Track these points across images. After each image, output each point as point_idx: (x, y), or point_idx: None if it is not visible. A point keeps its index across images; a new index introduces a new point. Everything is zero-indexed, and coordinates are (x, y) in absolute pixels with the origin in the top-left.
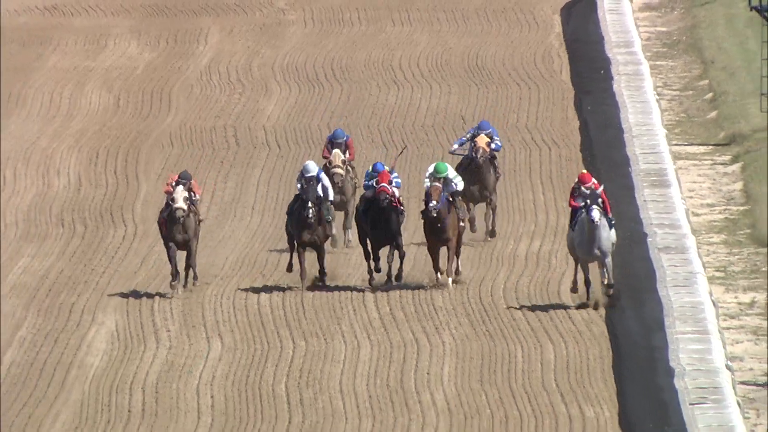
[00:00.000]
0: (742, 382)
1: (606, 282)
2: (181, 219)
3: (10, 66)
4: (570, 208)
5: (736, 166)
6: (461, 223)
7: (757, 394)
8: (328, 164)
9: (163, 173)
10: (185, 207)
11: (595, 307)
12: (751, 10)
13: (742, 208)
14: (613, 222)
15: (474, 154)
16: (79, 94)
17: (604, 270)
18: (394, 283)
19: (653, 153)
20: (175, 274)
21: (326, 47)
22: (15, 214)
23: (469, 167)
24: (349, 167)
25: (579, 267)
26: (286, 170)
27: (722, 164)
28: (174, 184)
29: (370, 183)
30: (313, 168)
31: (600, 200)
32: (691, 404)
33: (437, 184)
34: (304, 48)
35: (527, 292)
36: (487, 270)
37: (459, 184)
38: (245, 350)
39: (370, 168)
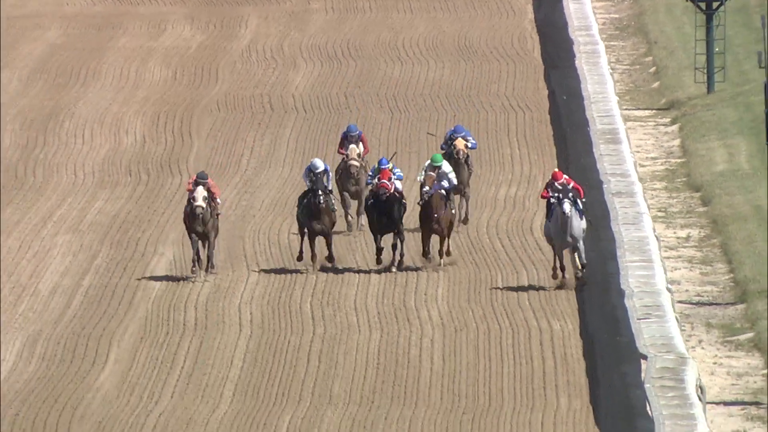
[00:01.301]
0: (680, 302)
1: (579, 264)
2: (200, 215)
3: (88, 46)
4: (545, 201)
5: (674, 127)
6: (453, 211)
7: (692, 311)
8: (345, 158)
9: (211, 132)
10: (204, 205)
11: (572, 289)
12: (686, 0)
13: (679, 160)
14: (584, 211)
15: (456, 156)
16: (144, 69)
17: (576, 254)
18: (398, 261)
19: (607, 116)
20: (195, 260)
21: (343, 30)
22: (92, 166)
23: (449, 163)
24: (363, 161)
25: (556, 254)
26: (311, 130)
27: (663, 125)
28: (194, 184)
29: (372, 180)
30: (320, 164)
31: (571, 195)
32: (638, 319)
33: (431, 173)
34: (325, 31)
35: (505, 229)
36: (473, 211)
37: (453, 179)
38: (277, 276)
39: (377, 163)
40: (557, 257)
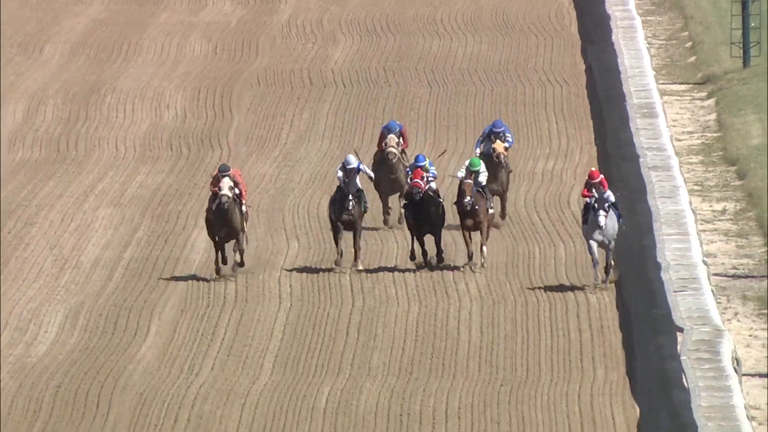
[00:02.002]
0: (715, 274)
1: (605, 266)
2: (226, 204)
3: (130, 21)
4: (583, 199)
5: (710, 101)
6: (490, 211)
7: (728, 283)
8: (383, 146)
9: (251, 107)
10: (230, 194)
11: (602, 281)
12: None
13: (715, 134)
14: (621, 215)
15: (496, 159)
16: (185, 44)
17: (608, 254)
18: (436, 263)
19: (644, 90)
20: (220, 263)
21: (382, 5)
22: (133, 140)
23: (486, 165)
24: (403, 153)
25: (591, 252)
26: (350, 104)
27: (699, 99)
28: (219, 176)
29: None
30: (354, 161)
31: (606, 205)
32: (674, 292)
33: (469, 181)
34: (364, 6)
35: (543, 202)
36: (510, 184)
37: (483, 178)
38: (317, 248)
39: (414, 160)
40: (591, 255)
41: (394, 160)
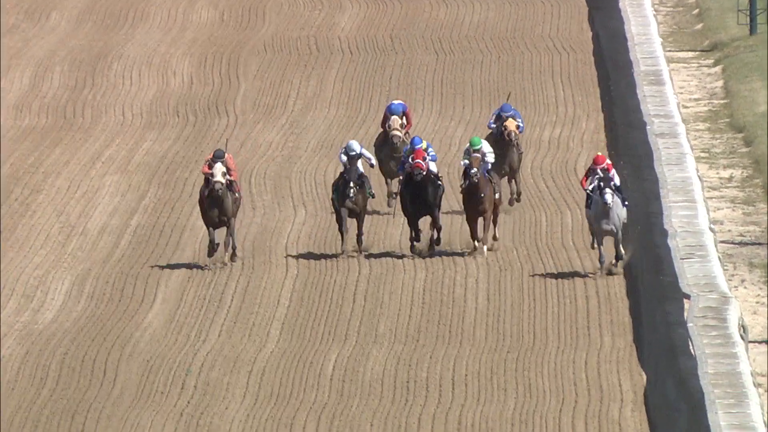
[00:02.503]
0: (722, 241)
1: (615, 255)
2: (220, 191)
3: None
4: (583, 186)
5: (717, 68)
6: (496, 195)
7: (734, 250)
8: (387, 128)
9: (258, 74)
10: (223, 181)
11: (609, 273)
12: None
13: (722, 101)
14: (626, 199)
15: (507, 137)
16: (191, 11)
17: (617, 244)
18: (433, 242)
19: (651, 57)
20: (211, 251)
21: None
22: (140, 107)
23: (497, 145)
24: (406, 134)
25: (597, 242)
26: (357, 71)
27: (706, 66)
28: (211, 161)
29: (407, 159)
30: (356, 147)
31: (612, 183)
32: (681, 259)
33: (477, 154)
34: None
35: (549, 170)
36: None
37: (490, 158)
38: (324, 216)
39: (409, 143)
40: (596, 242)
41: (398, 143)
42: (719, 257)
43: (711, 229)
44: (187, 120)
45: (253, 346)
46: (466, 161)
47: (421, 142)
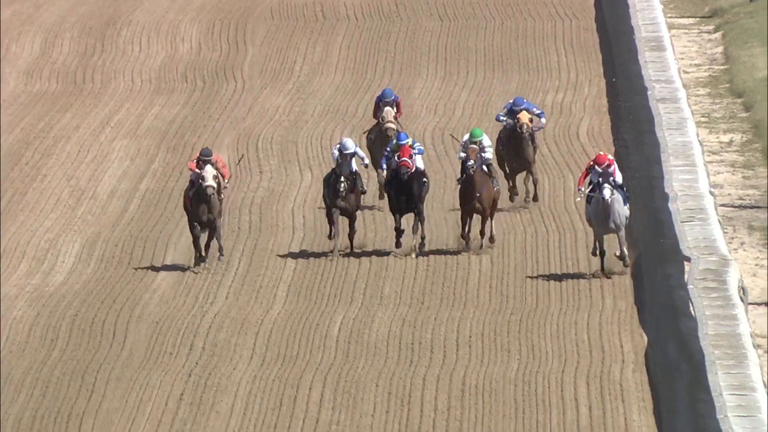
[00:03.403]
0: (722, 205)
1: (618, 254)
2: (211, 196)
3: None
4: (579, 185)
5: (717, 35)
6: (496, 188)
7: (734, 213)
8: (381, 120)
9: (265, 40)
10: (215, 185)
11: (608, 276)
12: None
13: (722, 67)
14: (628, 195)
15: (520, 130)
16: None
17: (620, 242)
18: (419, 245)
19: (652, 24)
20: (198, 258)
21: None
22: (149, 73)
23: (511, 139)
24: (399, 124)
25: (596, 239)
26: (362, 38)
27: (707, 33)
28: (199, 162)
29: (391, 156)
30: (351, 146)
31: (612, 178)
32: (682, 222)
33: (474, 146)
34: None
35: (552, 134)
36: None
37: (489, 152)
38: None
39: (394, 140)
40: (597, 241)
41: (393, 136)
42: (719, 220)
43: (711, 193)
44: (195, 85)
45: (260, 308)
46: (464, 154)
47: (407, 138)
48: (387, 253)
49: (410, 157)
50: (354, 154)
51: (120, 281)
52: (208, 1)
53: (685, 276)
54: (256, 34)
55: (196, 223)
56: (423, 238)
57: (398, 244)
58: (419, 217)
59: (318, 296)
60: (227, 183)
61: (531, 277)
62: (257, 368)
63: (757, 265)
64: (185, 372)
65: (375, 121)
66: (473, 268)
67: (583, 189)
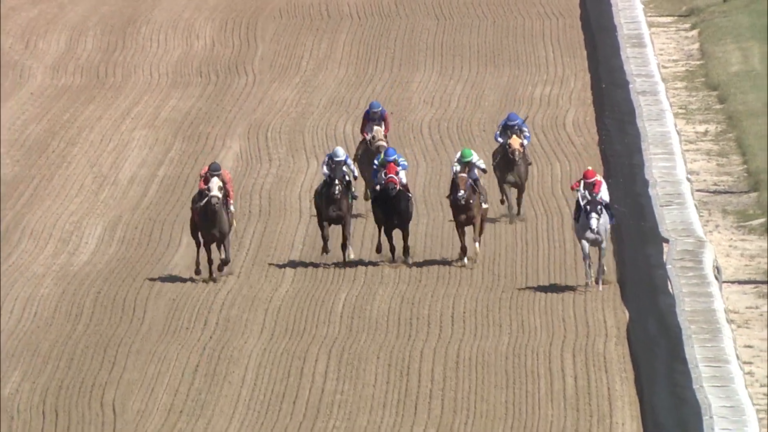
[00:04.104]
0: (698, 190)
1: (598, 268)
2: (216, 205)
3: None
4: (573, 192)
5: (694, 32)
6: (484, 205)
7: (709, 198)
8: (371, 139)
9: (274, 37)
10: (219, 195)
11: (596, 281)
12: None
13: (698, 62)
14: (613, 213)
15: (511, 156)
16: None
17: (600, 254)
18: (406, 259)
19: (633, 22)
20: (209, 263)
21: None
22: (166, 68)
23: (504, 158)
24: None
25: (583, 250)
26: (364, 35)
27: (684, 30)
28: (209, 176)
29: (378, 172)
30: (341, 153)
31: (599, 207)
32: (661, 206)
33: (463, 174)
34: None
35: (541, 124)
36: (511, 108)
37: (482, 164)
38: None
39: (382, 155)
40: (584, 257)
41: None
42: (695, 204)
43: (688, 179)
44: (209, 79)
45: (270, 286)
46: (458, 167)
47: (395, 153)
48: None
49: (397, 174)
50: (345, 162)
51: (139, 261)
52: (221, 0)
53: (664, 256)
54: (266, 32)
55: (204, 236)
56: (407, 247)
57: (379, 249)
58: (405, 240)
59: (323, 275)
60: (232, 203)
61: (521, 258)
62: (267, 342)
63: (730, 246)
64: (200, 345)
65: (362, 137)
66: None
67: (578, 195)
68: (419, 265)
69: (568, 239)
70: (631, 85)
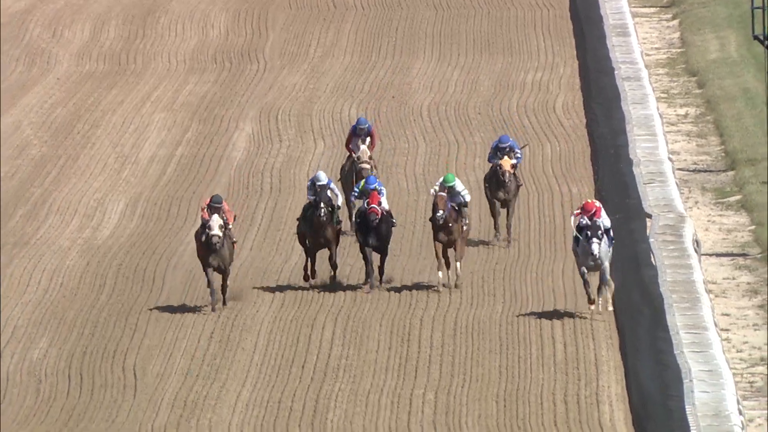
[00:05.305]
0: (679, 169)
1: (599, 291)
2: (217, 245)
3: None
4: (573, 220)
5: (675, 22)
6: (464, 228)
7: (690, 176)
8: (356, 159)
9: (284, 26)
10: (221, 234)
11: (594, 303)
12: None
13: (679, 50)
14: (613, 238)
15: (502, 177)
16: None
17: (603, 280)
18: (380, 281)
19: (618, 12)
20: (213, 293)
21: None
22: (183, 55)
23: (494, 178)
24: (373, 161)
25: (584, 279)
26: (368, 25)
27: (666, 20)
28: (208, 209)
29: (359, 198)
30: (324, 178)
31: (600, 232)
32: (644, 184)
33: (442, 194)
34: None
35: (532, 108)
36: (505, 92)
37: (466, 196)
38: (340, 148)
39: (362, 183)
40: (584, 282)
41: (366, 175)
42: (676, 182)
43: (669, 159)
44: (224, 66)
45: (280, 258)
46: (436, 188)
47: (376, 181)
48: (391, 206)
49: (379, 203)
50: (328, 185)
51: (159, 235)
52: None
53: (647, 230)
54: (277, 22)
55: (208, 269)
56: (382, 271)
57: (367, 282)
58: (382, 264)
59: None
60: (231, 227)
61: (513, 231)
62: (277, 310)
63: (709, 221)
64: (215, 313)
65: (347, 153)
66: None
67: (574, 225)
68: (420, 240)
69: (557, 215)
70: (616, 72)
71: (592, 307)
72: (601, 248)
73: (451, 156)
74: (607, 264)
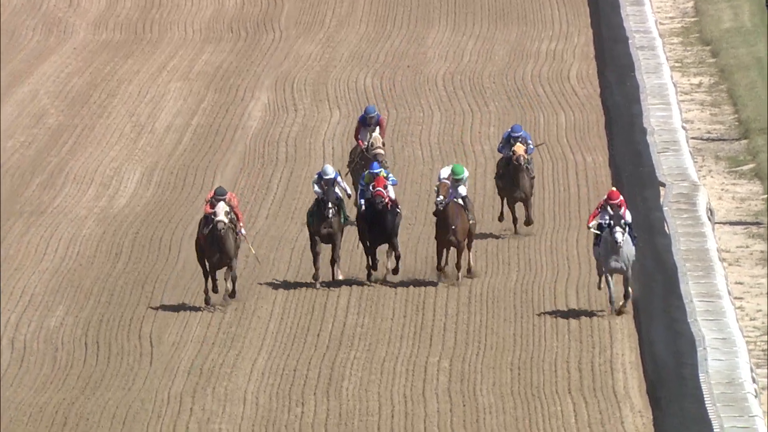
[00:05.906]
0: (693, 138)
1: (624, 293)
2: (222, 231)
3: None
4: (589, 224)
5: None
6: (471, 221)
7: (703, 145)
8: (369, 146)
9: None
10: (226, 220)
11: (618, 313)
12: None
13: (693, 19)
14: (635, 236)
15: (516, 162)
16: None
17: (626, 282)
18: (393, 268)
19: None
20: (209, 290)
21: None
22: (199, 24)
23: (507, 170)
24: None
25: (604, 279)
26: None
27: None
28: (214, 200)
29: (365, 187)
30: (331, 171)
31: (623, 221)
32: (658, 152)
33: (446, 181)
34: None
35: (546, 77)
36: (519, 62)
37: (463, 191)
38: (355, 116)
39: (366, 171)
40: (605, 283)
41: (383, 161)
42: (690, 151)
43: (683, 128)
44: (240, 35)
45: (295, 227)
46: (443, 175)
47: (380, 167)
48: (406, 173)
49: (385, 187)
50: (335, 180)
51: (175, 204)
52: None
53: (661, 199)
54: None
55: (208, 262)
56: (396, 271)
57: (370, 276)
58: (395, 252)
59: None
60: (242, 226)
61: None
62: (293, 278)
63: (722, 189)
64: (230, 282)
65: (356, 142)
66: (478, 192)
67: (592, 226)
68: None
69: (572, 184)
70: (630, 41)
71: (611, 302)
72: (625, 239)
73: (465, 125)
74: (630, 271)
